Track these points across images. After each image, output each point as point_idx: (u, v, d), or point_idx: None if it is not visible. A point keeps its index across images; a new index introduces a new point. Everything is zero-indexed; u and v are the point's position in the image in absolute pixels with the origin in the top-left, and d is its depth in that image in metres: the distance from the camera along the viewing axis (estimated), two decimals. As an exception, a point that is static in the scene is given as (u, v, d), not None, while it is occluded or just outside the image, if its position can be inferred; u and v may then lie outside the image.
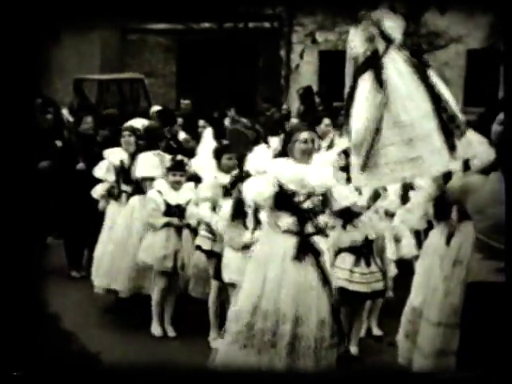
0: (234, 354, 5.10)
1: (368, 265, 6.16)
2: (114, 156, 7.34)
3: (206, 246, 6.49)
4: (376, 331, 6.87)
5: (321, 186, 5.21)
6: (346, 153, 7.09)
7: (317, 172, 5.23)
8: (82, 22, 16.00)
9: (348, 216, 6.03)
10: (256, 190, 5.15)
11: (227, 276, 6.09)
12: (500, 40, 16.88)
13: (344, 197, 5.36)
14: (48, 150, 8.36)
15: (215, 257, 6.39)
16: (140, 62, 20.79)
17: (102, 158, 7.43)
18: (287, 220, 5.16)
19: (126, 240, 7.00)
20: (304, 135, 5.33)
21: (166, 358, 6.19)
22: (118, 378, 5.30)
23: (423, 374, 4.96)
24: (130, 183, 7.21)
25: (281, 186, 5.16)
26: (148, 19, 19.26)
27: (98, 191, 7.46)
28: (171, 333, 6.70)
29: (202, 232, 6.54)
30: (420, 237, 7.56)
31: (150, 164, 6.99)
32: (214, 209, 6.33)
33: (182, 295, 6.91)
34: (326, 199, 5.28)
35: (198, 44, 19.98)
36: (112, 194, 7.33)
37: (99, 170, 7.38)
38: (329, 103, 12.99)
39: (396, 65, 4.27)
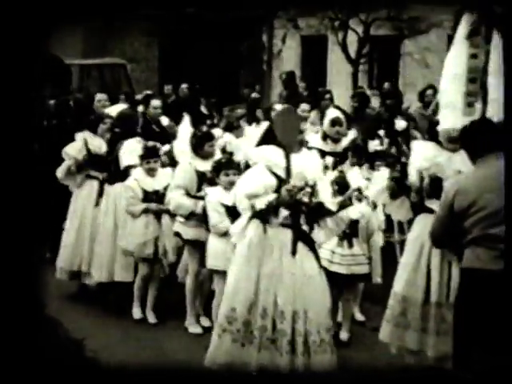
0: (235, 353, 4.98)
1: (350, 246, 6.18)
2: (91, 141, 7.31)
3: (185, 233, 6.46)
4: (359, 316, 6.91)
5: (314, 179, 5.16)
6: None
7: (310, 163, 5.20)
8: (69, 12, 15.86)
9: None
10: (261, 182, 5.00)
11: (211, 262, 6.09)
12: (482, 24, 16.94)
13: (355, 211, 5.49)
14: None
15: (194, 244, 6.40)
16: (122, 46, 20.67)
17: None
18: (283, 213, 5.02)
19: (112, 228, 6.99)
20: None
21: (146, 343, 6.18)
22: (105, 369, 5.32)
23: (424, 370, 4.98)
24: (103, 170, 7.19)
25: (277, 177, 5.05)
26: (131, 5, 19.15)
27: (60, 170, 7.37)
28: (152, 319, 6.70)
29: (179, 219, 6.51)
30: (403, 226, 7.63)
31: (136, 153, 6.96)
32: (188, 195, 6.31)
33: (166, 281, 6.90)
34: (314, 191, 5.16)
35: (180, 29, 19.89)
36: (71, 173, 7.26)
37: (71, 148, 7.31)
38: (313, 88, 13.01)
39: None
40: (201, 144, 6.39)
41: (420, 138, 8.20)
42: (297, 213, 5.03)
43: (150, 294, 6.76)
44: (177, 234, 6.55)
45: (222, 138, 7.03)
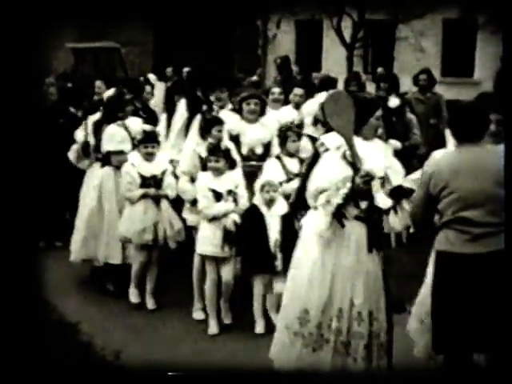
0: (307, 359, 4.62)
1: None
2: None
3: (191, 220, 6.47)
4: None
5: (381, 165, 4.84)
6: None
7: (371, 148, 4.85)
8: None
9: None
10: (339, 174, 4.60)
11: (199, 247, 6.11)
12: (475, 10, 16.96)
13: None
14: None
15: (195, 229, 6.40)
16: (117, 30, 20.61)
17: None
18: (363, 204, 4.64)
19: (97, 211, 7.00)
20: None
21: (144, 329, 6.13)
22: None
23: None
24: (89, 156, 7.24)
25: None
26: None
27: (71, 151, 7.43)
28: (151, 305, 6.63)
29: (186, 205, 6.54)
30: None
31: (116, 138, 6.96)
32: (192, 181, 6.31)
33: (165, 267, 6.83)
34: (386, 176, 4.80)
35: (175, 13, 19.84)
36: (80, 157, 7.32)
37: (78, 132, 7.38)
38: (307, 73, 12.99)
39: None
40: (209, 128, 6.38)
41: (415, 120, 8.25)
42: (371, 203, 4.66)
43: (149, 280, 6.68)
44: (184, 220, 6.55)
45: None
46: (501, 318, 3.99)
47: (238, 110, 6.73)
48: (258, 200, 6.02)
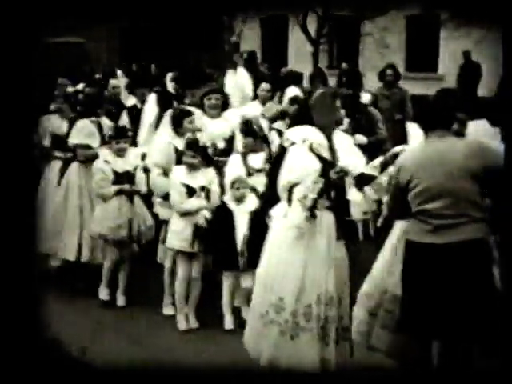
0: (284, 346, 4.68)
1: None
2: (50, 122, 7.32)
3: (162, 214, 6.46)
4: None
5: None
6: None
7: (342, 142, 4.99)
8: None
9: None
10: (307, 167, 4.71)
11: (169, 241, 6.11)
12: (438, 5, 17.17)
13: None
14: None
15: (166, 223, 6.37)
16: (82, 26, 20.46)
17: None
18: (332, 195, 4.74)
19: (63, 207, 6.99)
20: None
21: (115, 326, 6.09)
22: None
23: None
24: (64, 150, 7.20)
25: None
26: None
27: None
28: (121, 302, 6.55)
29: (158, 199, 6.53)
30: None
31: (84, 132, 6.95)
32: (166, 174, 6.30)
33: (135, 263, 6.76)
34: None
35: (140, 9, 19.77)
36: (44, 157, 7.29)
37: (36, 135, 7.33)
38: (274, 68, 13.06)
39: None
40: (180, 121, 6.38)
41: (380, 116, 8.34)
42: (340, 194, 4.78)
43: (121, 278, 6.61)
44: (155, 215, 6.56)
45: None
46: (457, 305, 4.13)
47: (200, 106, 6.79)
48: (227, 196, 6.07)
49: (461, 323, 4.15)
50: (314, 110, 4.83)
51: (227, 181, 6.10)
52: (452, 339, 4.26)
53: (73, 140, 6.94)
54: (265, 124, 6.72)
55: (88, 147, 6.88)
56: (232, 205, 6.00)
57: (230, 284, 6.03)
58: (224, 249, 5.93)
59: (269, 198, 5.08)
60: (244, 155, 6.28)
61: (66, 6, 18.94)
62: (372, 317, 4.90)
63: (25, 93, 7.04)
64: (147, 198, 6.66)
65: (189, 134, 6.30)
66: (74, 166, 6.99)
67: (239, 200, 5.99)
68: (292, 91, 7.26)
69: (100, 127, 7.00)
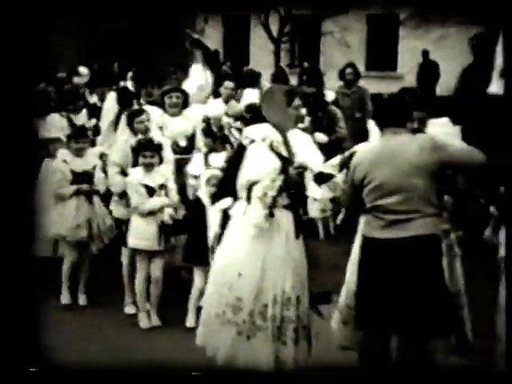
0: (241, 347, 4.68)
1: None
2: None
3: (117, 212, 6.45)
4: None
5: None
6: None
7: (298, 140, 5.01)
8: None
9: None
10: (267, 166, 4.70)
11: (132, 241, 6.09)
12: (398, 5, 17.36)
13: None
14: None
15: (126, 223, 6.32)
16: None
17: None
18: (290, 193, 4.75)
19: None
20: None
21: (77, 328, 6.02)
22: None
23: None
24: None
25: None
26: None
27: None
28: (83, 301, 6.52)
29: (114, 197, 6.51)
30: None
31: (54, 125, 6.92)
32: (124, 173, 6.27)
33: (99, 263, 6.72)
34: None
35: (106, 8, 19.65)
36: None
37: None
38: (237, 66, 13.08)
39: None
40: (130, 120, 6.38)
41: (340, 114, 8.42)
42: (298, 192, 4.78)
43: (82, 277, 6.55)
44: (111, 213, 6.52)
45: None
46: (408, 298, 4.21)
47: (160, 104, 6.81)
48: (201, 192, 6.07)
49: (412, 317, 4.22)
50: (263, 107, 4.83)
51: (202, 177, 6.11)
52: (405, 333, 4.33)
53: (44, 134, 6.89)
54: (227, 122, 6.78)
55: (58, 141, 6.83)
56: (206, 201, 6.02)
57: (200, 280, 6.00)
58: (195, 244, 5.96)
59: (219, 194, 5.09)
60: (206, 155, 6.31)
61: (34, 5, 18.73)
62: (339, 314, 4.99)
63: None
64: (107, 198, 6.60)
65: (140, 135, 6.27)
66: (47, 163, 6.93)
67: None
68: (249, 95, 7.32)
69: (71, 122, 6.98)
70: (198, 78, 8.10)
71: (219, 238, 5.72)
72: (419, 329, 4.26)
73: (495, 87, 5.06)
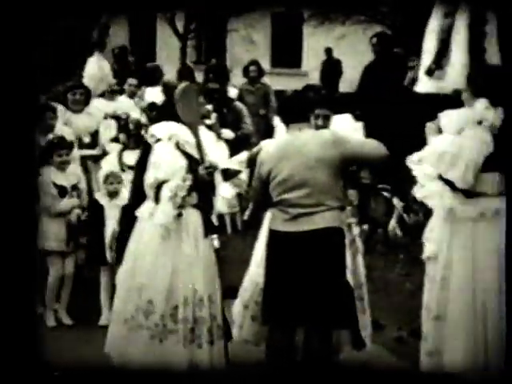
0: (155, 352, 4.60)
1: None
2: None
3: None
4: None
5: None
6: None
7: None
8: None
9: None
10: (173, 164, 4.64)
11: (45, 243, 5.93)
12: (302, 3, 17.63)
13: None
14: None
15: None
16: None
17: None
18: (199, 192, 4.73)
19: None
20: None
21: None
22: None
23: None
24: None
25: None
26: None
27: None
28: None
29: None
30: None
31: None
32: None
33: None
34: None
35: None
36: None
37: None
38: (141, 63, 13.01)
39: None
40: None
41: (245, 110, 8.51)
42: (206, 190, 4.75)
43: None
44: None
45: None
46: (312, 292, 4.30)
47: (62, 101, 6.77)
48: (99, 192, 6.06)
49: (315, 310, 4.31)
50: (178, 105, 4.77)
51: (100, 175, 6.09)
52: (310, 326, 4.41)
53: None
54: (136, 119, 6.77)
55: None
56: (103, 200, 5.99)
57: (107, 280, 5.98)
58: (96, 244, 5.94)
59: (134, 195, 4.99)
60: (120, 151, 6.31)
61: None
62: (245, 309, 4.98)
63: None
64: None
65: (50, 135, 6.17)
66: None
67: (112, 195, 5.98)
68: (149, 94, 7.35)
69: None
70: (93, 69, 8.02)
71: (118, 235, 5.64)
72: (322, 321, 4.35)
73: (422, 86, 5.25)
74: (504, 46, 4.88)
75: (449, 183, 4.23)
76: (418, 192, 4.50)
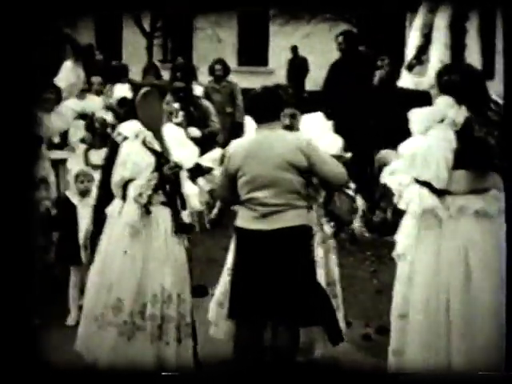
0: (123, 349, 4.59)
1: None
2: None
3: None
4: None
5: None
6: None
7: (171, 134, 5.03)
8: None
9: None
10: (141, 162, 4.65)
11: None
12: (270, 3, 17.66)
13: None
14: None
15: None
16: None
17: None
18: (167, 190, 4.73)
19: None
20: None
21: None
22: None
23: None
24: None
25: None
26: None
27: None
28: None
29: None
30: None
31: None
32: None
33: None
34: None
35: None
36: None
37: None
38: (107, 61, 12.94)
39: None
40: None
41: (212, 108, 8.51)
42: (174, 187, 4.76)
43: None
44: None
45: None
46: (282, 288, 4.34)
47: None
48: (70, 191, 6.00)
49: (283, 306, 4.34)
50: (138, 111, 4.76)
51: (71, 174, 6.05)
52: (277, 322, 4.45)
53: None
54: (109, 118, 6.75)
55: None
56: (75, 199, 5.95)
57: (76, 279, 5.93)
58: (66, 243, 5.89)
59: (102, 194, 4.97)
60: (86, 151, 6.28)
61: None
62: (220, 308, 4.98)
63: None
64: None
65: None
66: None
67: (83, 193, 5.93)
68: (119, 90, 7.31)
69: None
70: (68, 75, 7.99)
71: (92, 234, 5.56)
72: (289, 318, 4.38)
73: (403, 81, 5.27)
74: (485, 42, 4.94)
75: (426, 184, 4.24)
76: (401, 203, 4.42)
